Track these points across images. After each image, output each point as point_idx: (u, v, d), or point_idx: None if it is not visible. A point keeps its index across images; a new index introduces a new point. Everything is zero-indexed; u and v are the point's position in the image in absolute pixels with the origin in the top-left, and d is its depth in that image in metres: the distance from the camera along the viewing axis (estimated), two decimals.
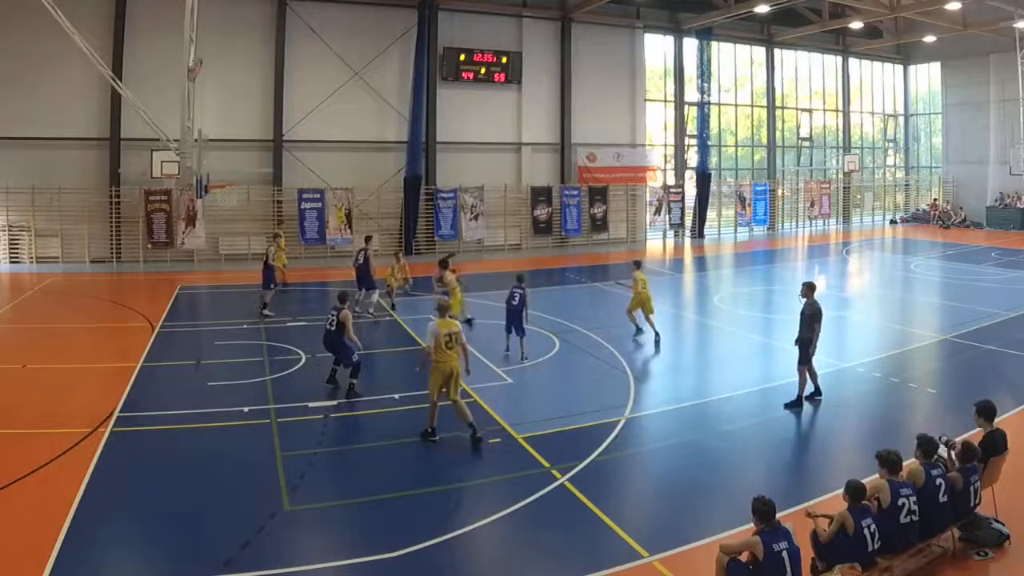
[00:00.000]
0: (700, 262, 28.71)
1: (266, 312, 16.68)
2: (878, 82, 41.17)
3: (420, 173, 26.95)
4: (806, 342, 10.82)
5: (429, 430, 9.67)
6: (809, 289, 11.04)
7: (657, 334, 14.74)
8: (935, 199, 39.78)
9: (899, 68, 41.62)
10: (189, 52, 14.80)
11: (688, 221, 33.80)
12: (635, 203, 32.44)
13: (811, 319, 10.87)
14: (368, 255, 17.04)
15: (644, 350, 15.14)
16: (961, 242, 31.44)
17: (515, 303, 13.64)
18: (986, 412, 7.58)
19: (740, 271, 25.97)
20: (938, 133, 40.91)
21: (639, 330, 15.25)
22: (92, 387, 11.80)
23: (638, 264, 15.66)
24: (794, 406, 10.84)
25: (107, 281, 21.86)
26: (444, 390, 9.58)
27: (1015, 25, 28.73)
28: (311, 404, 11.00)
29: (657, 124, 34.04)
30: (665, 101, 33.99)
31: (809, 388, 11.08)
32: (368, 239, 18.08)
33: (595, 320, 16.58)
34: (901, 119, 42.32)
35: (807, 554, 6.18)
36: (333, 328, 11.45)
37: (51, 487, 8.16)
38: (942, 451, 7.22)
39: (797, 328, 11.06)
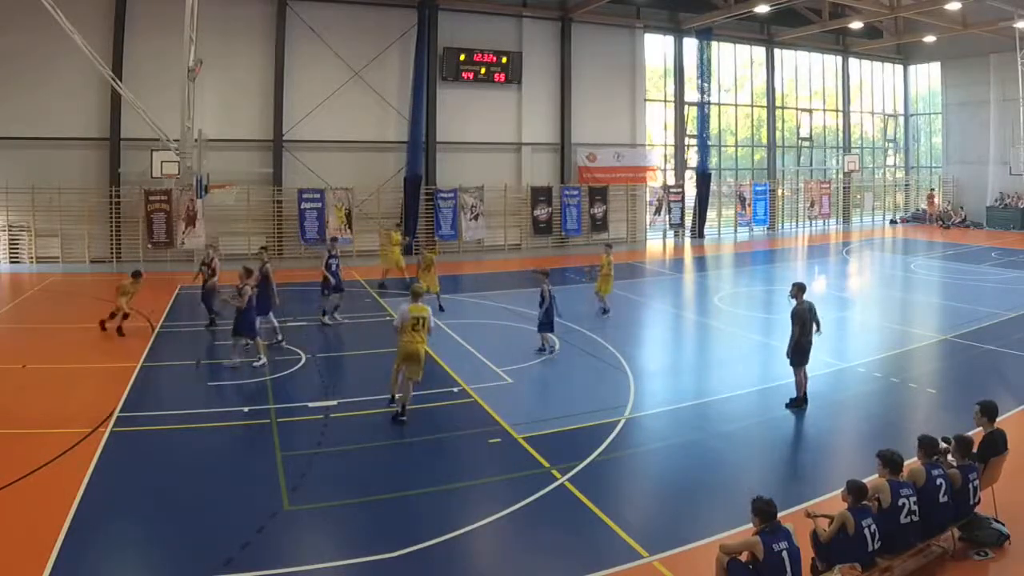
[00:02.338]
0: (700, 262, 28.71)
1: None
2: (878, 82, 41.17)
3: (420, 173, 26.94)
4: (799, 346, 10.76)
5: (391, 398, 10.73)
6: (799, 290, 10.87)
7: (605, 310, 17.01)
8: (932, 191, 39.66)
9: (899, 68, 41.61)
10: (189, 52, 14.79)
11: (688, 221, 33.77)
12: (635, 203, 32.40)
13: (792, 319, 10.77)
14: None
15: (644, 350, 15.17)
16: (961, 242, 31.44)
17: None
18: (989, 411, 7.60)
19: (740, 271, 25.97)
20: (938, 133, 40.90)
21: (607, 310, 16.95)
22: (92, 387, 11.80)
23: (609, 247, 17.72)
24: (795, 406, 10.83)
25: (107, 281, 21.77)
26: (405, 369, 10.30)
27: (1015, 25, 28.71)
28: (311, 404, 11.01)
29: (657, 124, 34.02)
30: (665, 101, 33.97)
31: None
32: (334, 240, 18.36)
33: (595, 320, 16.57)
34: (901, 119, 42.30)
35: (807, 554, 6.18)
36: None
37: (51, 487, 8.17)
38: (943, 446, 7.23)
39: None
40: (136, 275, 15.71)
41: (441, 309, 17.18)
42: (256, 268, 14.62)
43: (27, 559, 6.67)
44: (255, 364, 12.84)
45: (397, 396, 10.59)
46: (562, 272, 24.41)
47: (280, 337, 14.61)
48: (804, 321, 10.68)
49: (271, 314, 14.76)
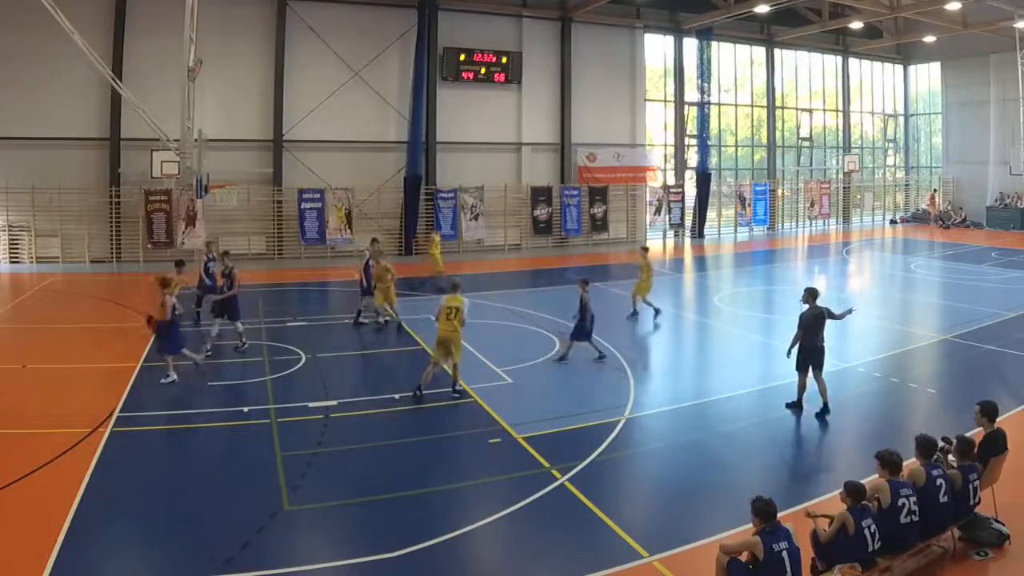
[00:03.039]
0: (700, 262, 28.70)
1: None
2: (878, 82, 41.17)
3: (420, 173, 26.94)
4: (803, 350, 10.75)
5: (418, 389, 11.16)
6: (810, 295, 10.88)
7: (657, 311, 16.81)
8: (933, 191, 39.64)
9: (899, 68, 41.61)
10: (189, 52, 14.79)
11: (688, 221, 33.80)
12: (635, 203, 32.43)
13: (798, 322, 10.77)
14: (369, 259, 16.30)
15: (644, 350, 15.16)
16: (961, 242, 31.43)
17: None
18: (989, 412, 7.59)
19: (740, 271, 25.96)
20: (938, 133, 40.90)
21: (635, 313, 16.81)
22: (92, 387, 11.79)
23: (645, 249, 17.56)
24: (796, 406, 10.82)
25: (107, 281, 21.84)
26: (438, 352, 11.20)
27: (1015, 25, 28.72)
28: (311, 404, 11.00)
29: (657, 124, 34.03)
30: (665, 101, 33.98)
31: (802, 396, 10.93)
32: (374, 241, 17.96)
33: (595, 321, 16.52)
34: (901, 119, 42.31)
35: (807, 554, 6.18)
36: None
37: (51, 487, 8.16)
38: (942, 445, 7.23)
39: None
40: (179, 264, 15.26)
41: (385, 323, 16.02)
42: (219, 270, 14.53)
43: (27, 559, 6.67)
44: (162, 380, 11.89)
45: (427, 381, 11.23)
46: (562, 272, 24.41)
47: (237, 343, 14.05)
48: (808, 326, 10.68)
49: (214, 320, 14.41)
